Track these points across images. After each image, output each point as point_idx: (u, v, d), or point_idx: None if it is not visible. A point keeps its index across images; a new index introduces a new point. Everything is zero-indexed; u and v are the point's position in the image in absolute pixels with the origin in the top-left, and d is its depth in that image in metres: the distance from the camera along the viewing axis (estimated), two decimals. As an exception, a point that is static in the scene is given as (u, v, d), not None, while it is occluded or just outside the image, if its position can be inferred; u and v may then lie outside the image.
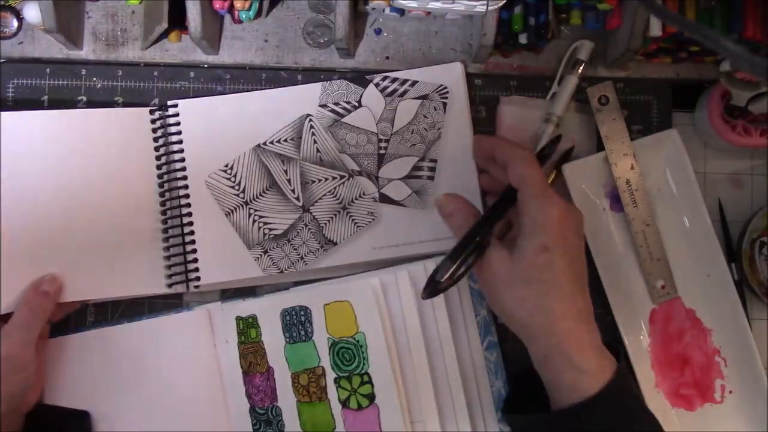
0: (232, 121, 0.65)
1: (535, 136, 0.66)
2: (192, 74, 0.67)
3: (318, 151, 0.65)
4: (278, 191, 0.65)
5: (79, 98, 0.67)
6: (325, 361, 0.62)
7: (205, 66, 0.68)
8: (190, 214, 0.64)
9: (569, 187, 0.64)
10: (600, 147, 0.65)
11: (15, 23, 0.67)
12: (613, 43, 0.66)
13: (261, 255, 0.64)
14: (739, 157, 0.68)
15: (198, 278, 0.63)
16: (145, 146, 0.64)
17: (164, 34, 0.66)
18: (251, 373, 0.63)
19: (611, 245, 0.65)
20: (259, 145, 0.65)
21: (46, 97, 0.67)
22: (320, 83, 0.65)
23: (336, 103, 0.65)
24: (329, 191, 0.64)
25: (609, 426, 0.50)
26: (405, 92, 0.65)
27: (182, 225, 0.64)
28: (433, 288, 0.56)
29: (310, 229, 0.64)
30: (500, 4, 0.59)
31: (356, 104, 0.65)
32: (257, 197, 0.64)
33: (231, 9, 0.65)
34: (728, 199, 0.68)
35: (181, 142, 0.64)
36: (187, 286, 0.63)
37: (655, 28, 0.60)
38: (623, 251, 0.65)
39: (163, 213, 0.64)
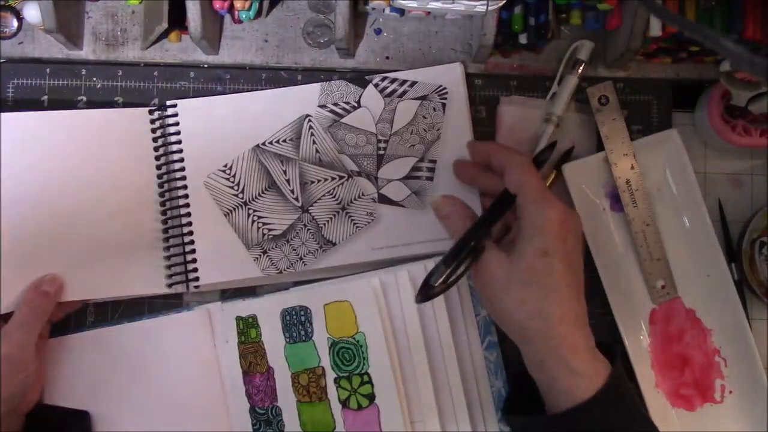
0: (231, 121, 0.65)
1: (535, 136, 0.66)
2: (192, 74, 0.67)
3: (317, 151, 0.65)
4: (277, 191, 0.65)
5: (79, 98, 0.67)
6: (325, 361, 0.62)
7: (205, 66, 0.68)
8: (189, 215, 0.64)
9: (569, 187, 0.64)
10: (600, 147, 0.65)
11: (15, 23, 0.67)
12: (613, 43, 0.66)
13: (260, 255, 0.64)
14: (739, 157, 0.68)
15: (197, 278, 0.63)
16: (144, 146, 0.64)
17: (164, 34, 0.66)
18: (251, 373, 0.63)
19: (611, 245, 0.65)
20: (258, 146, 0.65)
21: (46, 97, 0.67)
22: (319, 84, 0.65)
23: (335, 104, 0.65)
24: (328, 192, 0.65)
25: (607, 428, 0.51)
26: (404, 93, 0.65)
27: (182, 225, 0.64)
28: (426, 293, 0.55)
29: (309, 229, 0.64)
30: (500, 4, 0.59)
31: (355, 105, 0.65)
32: (256, 197, 0.64)
33: (231, 9, 0.65)
34: (728, 199, 0.68)
35: (180, 142, 0.64)
36: (187, 286, 0.63)
37: (655, 28, 0.60)
38: (623, 251, 0.65)
39: (163, 213, 0.64)
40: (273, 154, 0.65)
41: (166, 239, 0.64)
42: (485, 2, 0.59)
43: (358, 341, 0.61)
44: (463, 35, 0.68)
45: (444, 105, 0.65)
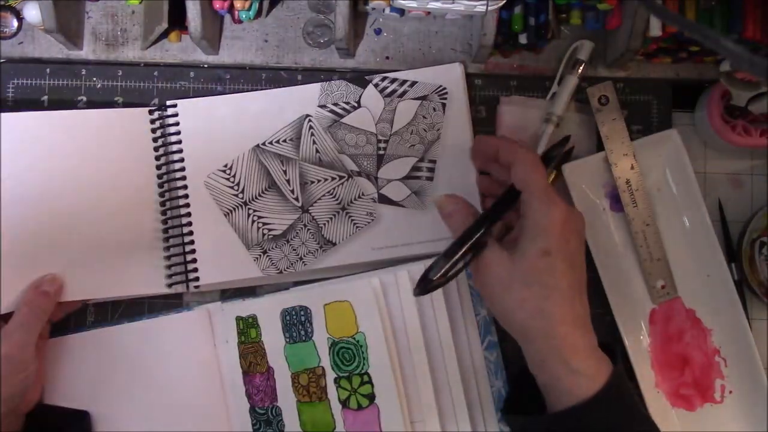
0: (231, 121, 0.65)
1: (535, 136, 0.66)
2: (192, 74, 0.67)
3: (317, 151, 0.65)
4: (277, 192, 0.65)
5: (79, 98, 0.67)
6: (325, 361, 0.62)
7: (205, 66, 0.68)
8: (189, 215, 0.64)
9: (569, 187, 0.64)
10: (600, 147, 0.65)
11: (15, 23, 0.67)
12: (613, 43, 0.66)
13: (260, 255, 0.64)
14: (739, 157, 0.68)
15: (197, 278, 0.63)
16: (144, 146, 0.64)
17: (164, 34, 0.66)
18: (251, 373, 0.63)
19: (611, 245, 0.65)
20: (258, 146, 0.65)
21: (46, 97, 0.67)
22: (319, 84, 0.65)
23: (335, 104, 0.65)
24: (328, 192, 0.65)
25: (607, 427, 0.51)
26: (404, 93, 0.65)
27: (182, 225, 0.64)
28: (424, 286, 0.55)
29: (309, 229, 0.64)
30: (500, 4, 0.59)
31: (355, 105, 0.65)
32: (256, 197, 0.64)
33: (231, 9, 0.65)
34: (728, 199, 0.68)
35: (180, 142, 0.64)
36: (187, 286, 0.64)
37: (655, 28, 0.60)
38: (623, 251, 0.65)
39: (163, 213, 0.64)
40: (273, 154, 0.65)
41: (166, 239, 0.64)
42: (485, 2, 0.59)
43: (358, 341, 0.61)
44: (463, 35, 0.68)
45: (444, 105, 0.65)
